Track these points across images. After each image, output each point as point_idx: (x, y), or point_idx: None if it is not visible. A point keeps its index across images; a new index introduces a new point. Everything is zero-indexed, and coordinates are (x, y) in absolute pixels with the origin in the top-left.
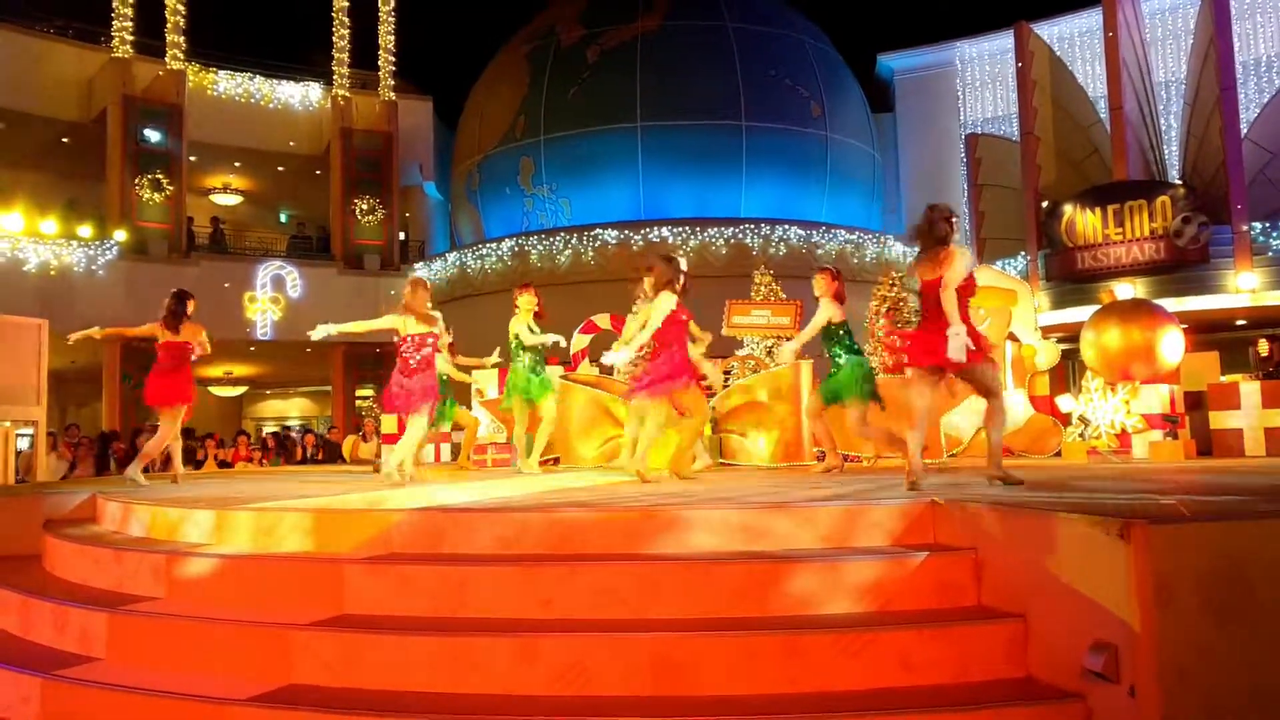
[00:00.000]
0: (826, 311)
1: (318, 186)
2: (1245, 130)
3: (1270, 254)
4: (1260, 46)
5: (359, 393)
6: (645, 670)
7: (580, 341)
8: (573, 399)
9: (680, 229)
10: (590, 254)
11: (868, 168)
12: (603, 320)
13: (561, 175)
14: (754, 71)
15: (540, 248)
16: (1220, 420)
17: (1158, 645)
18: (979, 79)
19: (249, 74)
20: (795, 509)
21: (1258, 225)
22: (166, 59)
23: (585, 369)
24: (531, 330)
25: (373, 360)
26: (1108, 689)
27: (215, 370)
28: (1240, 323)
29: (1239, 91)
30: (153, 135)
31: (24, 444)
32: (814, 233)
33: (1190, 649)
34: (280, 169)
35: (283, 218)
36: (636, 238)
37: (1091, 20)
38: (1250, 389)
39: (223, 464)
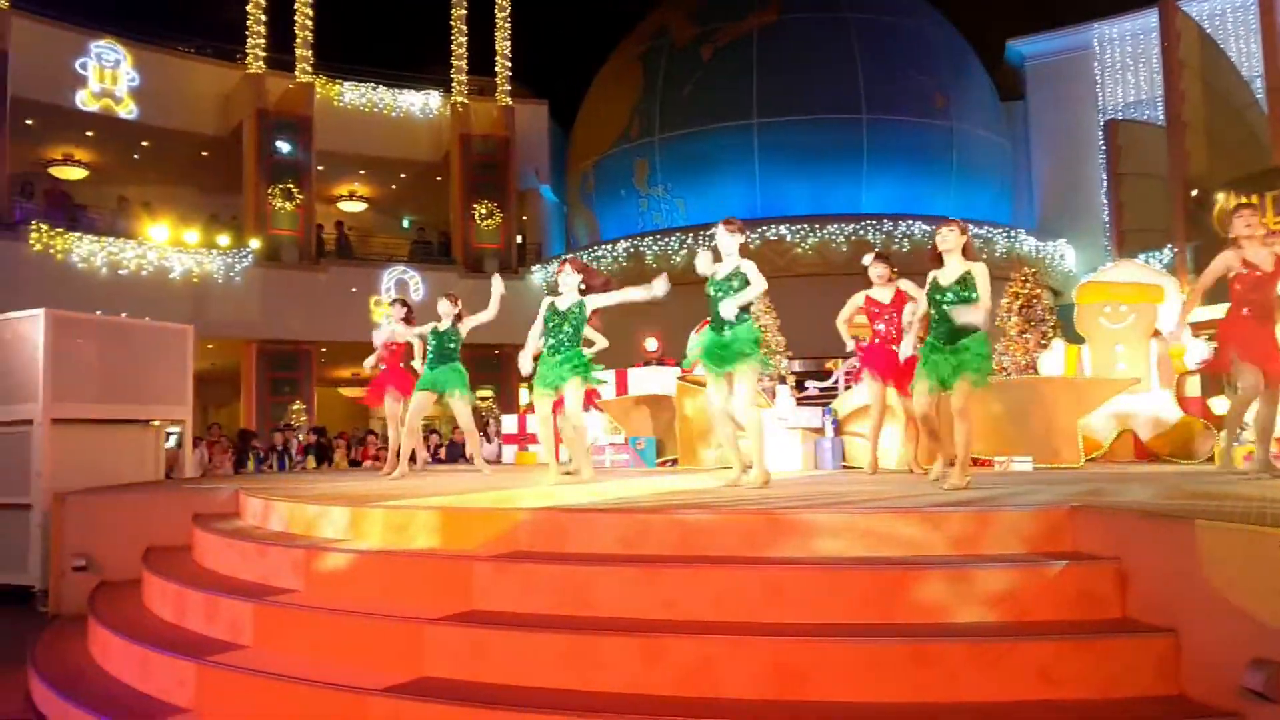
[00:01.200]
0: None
1: (438, 192)
2: None
3: None
4: None
5: (480, 393)
6: (769, 674)
7: (696, 342)
8: (690, 401)
9: (798, 226)
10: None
11: (997, 158)
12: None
13: (676, 175)
14: (874, 62)
15: (655, 248)
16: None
17: None
18: (1119, 61)
19: (372, 84)
20: (923, 513)
21: None
22: (296, 72)
23: (702, 370)
24: None
25: (491, 362)
26: (1269, 709)
27: (344, 372)
28: None
29: None
30: (284, 146)
31: (172, 442)
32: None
33: None
34: (402, 176)
35: (404, 223)
36: (753, 236)
37: None
38: None
39: (354, 463)
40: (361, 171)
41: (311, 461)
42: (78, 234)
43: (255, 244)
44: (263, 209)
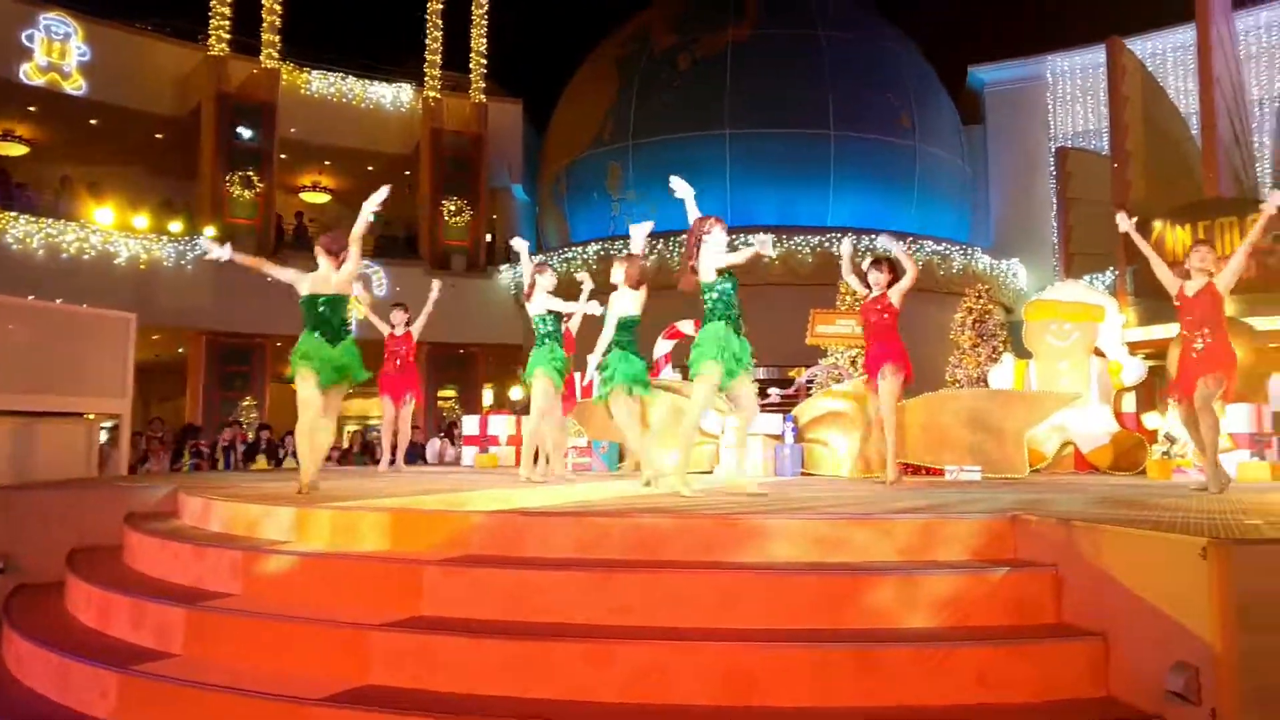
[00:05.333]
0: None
1: (406, 187)
2: None
3: None
4: None
5: (440, 394)
6: (718, 680)
7: (662, 347)
8: (653, 405)
9: (767, 236)
10: (676, 260)
11: (956, 179)
12: (687, 326)
13: (649, 180)
14: (844, 81)
15: (627, 252)
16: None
17: (1240, 667)
18: (1070, 93)
19: (341, 74)
20: (874, 521)
21: None
22: (261, 58)
23: (668, 375)
24: None
25: (455, 362)
26: (1189, 711)
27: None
28: None
29: None
30: (245, 132)
31: (105, 436)
32: (901, 242)
33: (1274, 671)
34: (369, 168)
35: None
36: None
37: (1185, 36)
38: None
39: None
40: (327, 162)
41: (263, 461)
42: (14, 213)
43: (210, 231)
44: (219, 195)
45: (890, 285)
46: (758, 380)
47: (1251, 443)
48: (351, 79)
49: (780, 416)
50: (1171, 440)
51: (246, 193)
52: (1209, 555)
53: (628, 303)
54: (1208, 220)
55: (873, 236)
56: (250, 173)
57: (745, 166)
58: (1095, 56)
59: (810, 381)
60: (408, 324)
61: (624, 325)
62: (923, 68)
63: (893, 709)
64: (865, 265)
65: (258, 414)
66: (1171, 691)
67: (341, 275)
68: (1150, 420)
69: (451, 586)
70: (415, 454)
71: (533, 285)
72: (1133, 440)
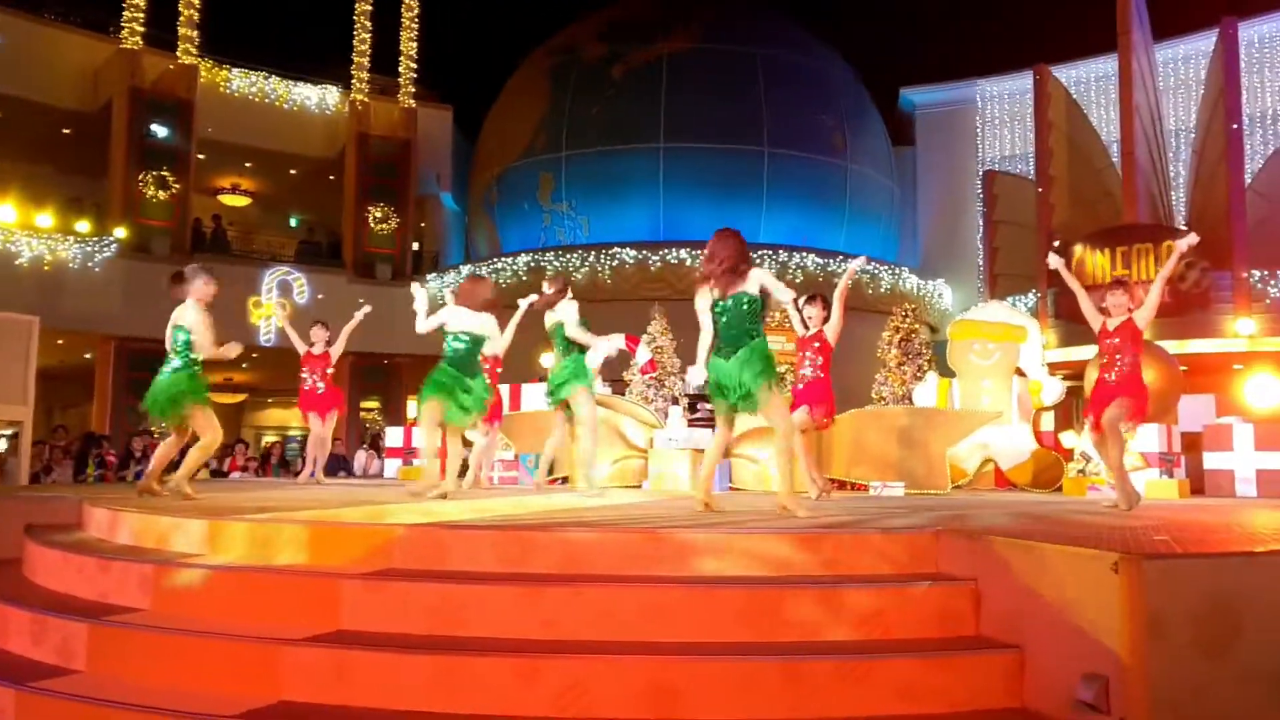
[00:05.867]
0: None
1: (331, 191)
2: (1249, 180)
3: (1268, 301)
4: (1267, 100)
5: (363, 405)
6: (644, 694)
7: (593, 361)
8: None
9: (699, 251)
10: (607, 273)
11: (887, 199)
12: (617, 340)
13: (581, 192)
14: (779, 99)
15: (557, 264)
16: (1214, 461)
17: (1148, 678)
18: (998, 117)
19: (264, 73)
20: (800, 535)
21: (1257, 273)
22: (178, 53)
23: (597, 388)
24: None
25: (378, 373)
26: None
27: (215, 376)
28: (1237, 367)
29: (1245, 143)
30: (160, 130)
31: (2, 445)
32: (831, 261)
33: (1180, 682)
34: (292, 171)
35: (293, 222)
36: (655, 258)
37: (1108, 66)
38: (1244, 431)
39: (216, 473)
40: (247, 164)
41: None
42: None
43: (120, 233)
44: (131, 195)
45: (825, 323)
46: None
47: (1161, 461)
48: (275, 79)
49: (709, 432)
50: (1087, 459)
51: (161, 193)
52: (1120, 570)
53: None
54: (1125, 246)
55: (804, 254)
56: (165, 172)
57: (678, 181)
58: (1023, 83)
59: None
60: (328, 343)
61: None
62: (856, 88)
63: None
64: (801, 301)
65: None
66: (1082, 701)
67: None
68: (1067, 439)
69: (372, 601)
70: (337, 466)
71: (551, 302)
72: (1050, 458)
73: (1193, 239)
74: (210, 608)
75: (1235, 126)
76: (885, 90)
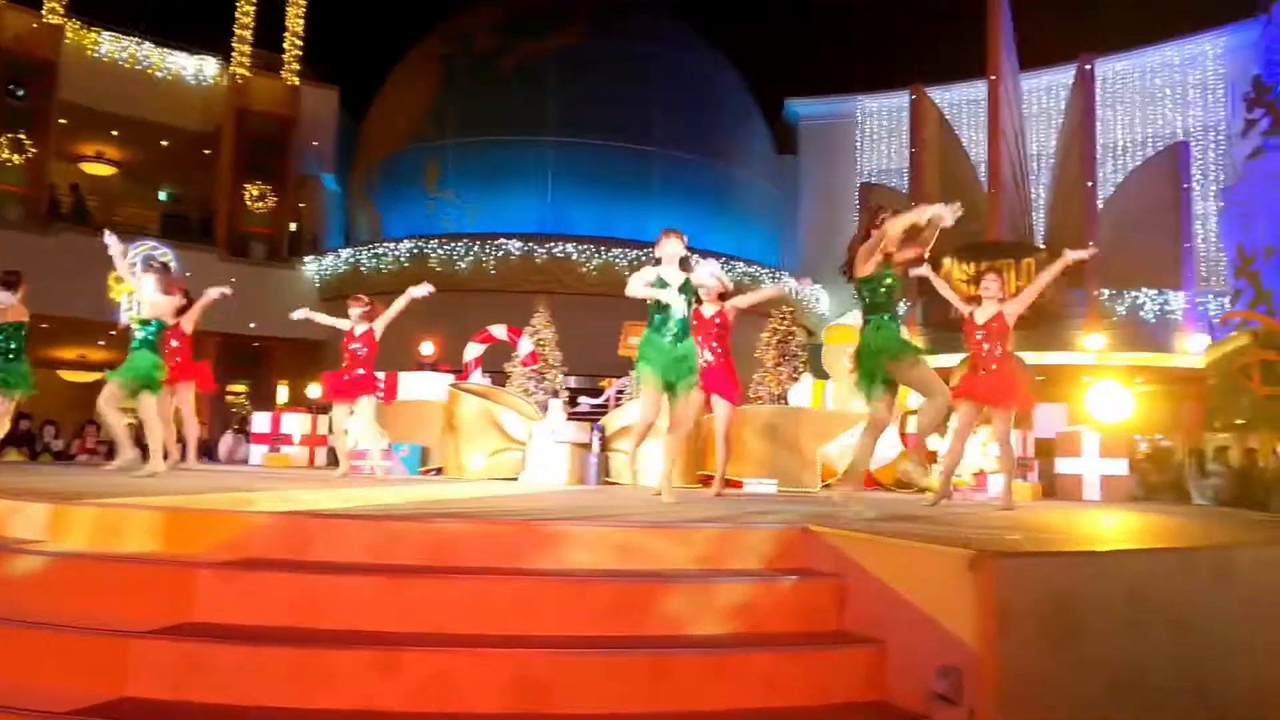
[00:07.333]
0: None
1: (205, 166)
2: (1101, 205)
3: (1115, 318)
4: (1119, 131)
5: (230, 388)
6: (510, 687)
7: (473, 350)
8: (462, 409)
9: (585, 246)
10: (492, 263)
11: (770, 205)
12: (499, 331)
13: (468, 181)
14: (670, 99)
15: (441, 252)
16: (1064, 466)
17: (997, 669)
18: (876, 132)
19: (137, 39)
20: (673, 529)
21: (1107, 291)
22: (44, 11)
23: (477, 379)
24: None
25: (246, 356)
26: (951, 711)
27: (69, 352)
28: (1087, 379)
29: (1098, 170)
30: (18, 91)
31: None
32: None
33: (1026, 673)
34: (164, 143)
35: (162, 196)
36: (541, 251)
37: (978, 90)
38: (1092, 440)
39: (59, 455)
40: (114, 132)
41: (13, 453)
42: None
43: None
44: None
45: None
46: (568, 389)
47: (1018, 466)
48: (149, 45)
49: (589, 425)
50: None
51: (15, 156)
52: (974, 566)
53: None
54: (988, 261)
55: (697, 259)
56: (21, 135)
57: (567, 175)
58: (900, 100)
59: (621, 392)
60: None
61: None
62: (744, 95)
63: (682, 713)
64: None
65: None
66: (937, 693)
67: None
68: (930, 441)
69: (227, 592)
70: (199, 451)
71: None
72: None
73: (1086, 254)
74: (50, 598)
75: (1090, 154)
76: (771, 100)
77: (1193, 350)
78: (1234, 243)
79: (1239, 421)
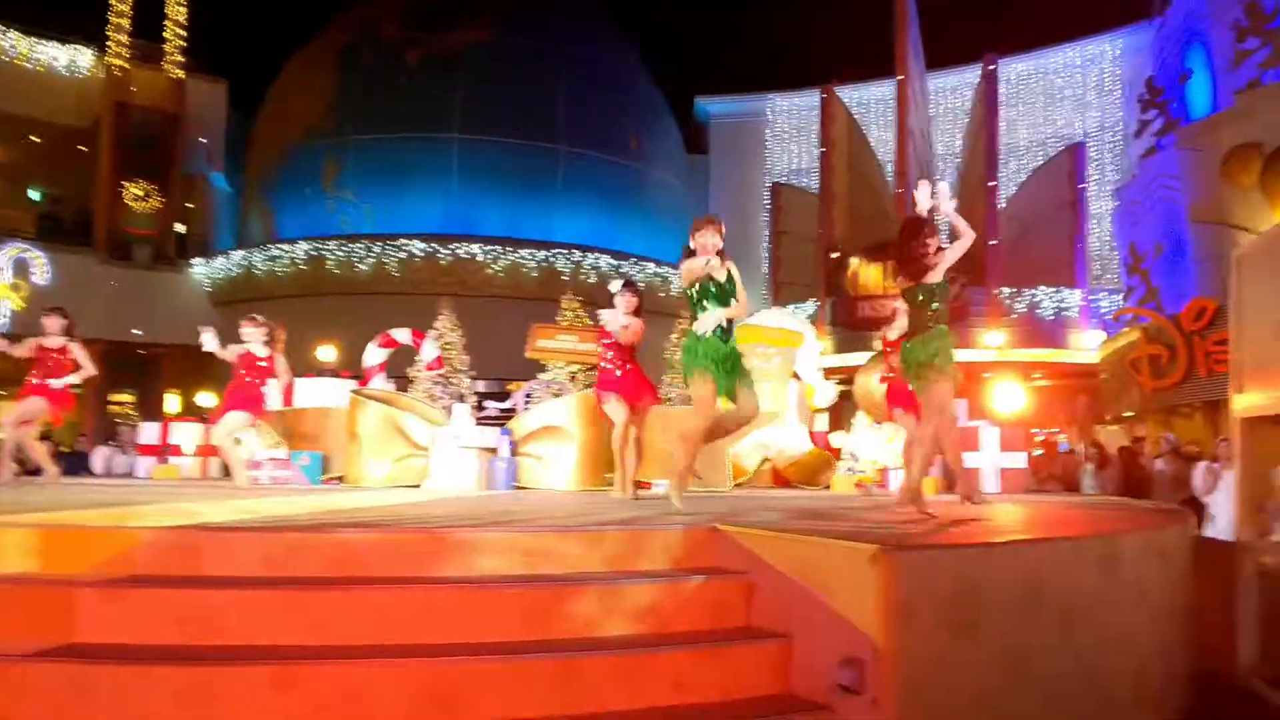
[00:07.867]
0: None
1: (81, 164)
2: (1003, 204)
3: (1014, 315)
4: (1021, 132)
5: (113, 398)
6: (419, 697)
7: (376, 356)
8: (364, 415)
9: (492, 247)
10: (394, 264)
11: (680, 204)
12: (402, 334)
13: (369, 179)
14: (577, 96)
15: (339, 254)
16: (965, 460)
17: (898, 659)
18: (786, 131)
19: (2, 27)
20: (582, 532)
21: (1007, 290)
22: None
23: (379, 384)
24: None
25: (132, 365)
26: (854, 701)
27: None
28: (986, 375)
29: (1001, 169)
30: None
31: None
32: (624, 263)
33: (926, 662)
34: (33, 138)
35: (34, 195)
36: (445, 252)
37: (886, 90)
38: (991, 434)
39: None
40: None
41: None
42: None
43: None
44: None
45: (637, 312)
46: (476, 394)
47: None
48: (15, 34)
49: (497, 430)
50: (855, 458)
51: None
52: (876, 560)
53: None
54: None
55: (598, 255)
56: None
57: (473, 174)
58: (810, 100)
59: (529, 395)
60: (67, 333)
61: None
62: (653, 93)
63: (591, 715)
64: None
65: None
66: (839, 684)
67: None
68: (836, 439)
69: (111, 611)
70: (76, 465)
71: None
72: (822, 458)
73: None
74: None
75: (993, 154)
76: (682, 97)
77: (1087, 346)
78: (1127, 241)
79: (1128, 414)
